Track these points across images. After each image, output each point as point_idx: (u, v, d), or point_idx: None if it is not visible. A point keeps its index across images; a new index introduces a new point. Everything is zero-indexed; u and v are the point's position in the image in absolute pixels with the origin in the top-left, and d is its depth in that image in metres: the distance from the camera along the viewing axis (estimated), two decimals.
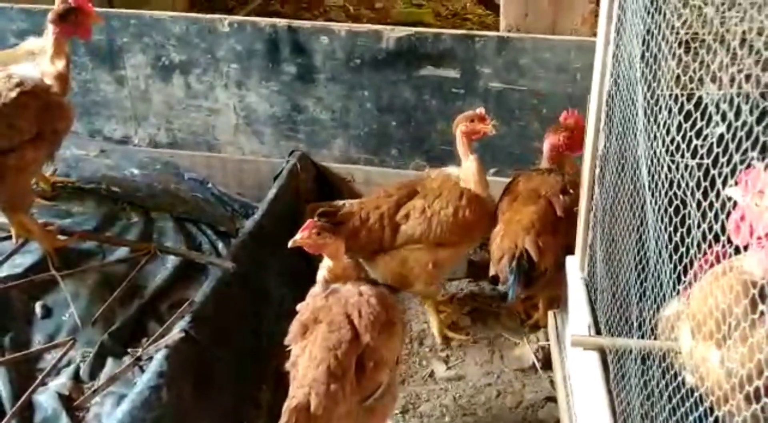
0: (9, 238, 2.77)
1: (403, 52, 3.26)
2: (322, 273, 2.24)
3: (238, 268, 2.72)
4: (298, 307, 2.21)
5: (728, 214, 1.19)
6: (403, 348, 2.41)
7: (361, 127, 3.47)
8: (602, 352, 2.04)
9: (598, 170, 2.23)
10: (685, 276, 1.31)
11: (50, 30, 2.50)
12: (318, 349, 1.97)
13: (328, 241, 2.17)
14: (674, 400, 1.36)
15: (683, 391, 1.33)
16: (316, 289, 2.24)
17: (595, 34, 2.14)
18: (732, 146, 0.99)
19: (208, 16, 3.50)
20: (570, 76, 3.10)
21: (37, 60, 2.49)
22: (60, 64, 2.45)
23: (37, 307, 2.59)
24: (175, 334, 2.33)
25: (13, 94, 2.38)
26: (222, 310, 2.57)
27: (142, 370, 2.32)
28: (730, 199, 1.21)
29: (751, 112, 0.95)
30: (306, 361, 1.96)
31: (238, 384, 2.58)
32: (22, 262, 2.72)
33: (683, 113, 1.19)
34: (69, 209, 3.11)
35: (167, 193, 3.37)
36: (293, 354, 2.06)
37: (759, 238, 1.25)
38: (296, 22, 3.37)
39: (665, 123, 1.29)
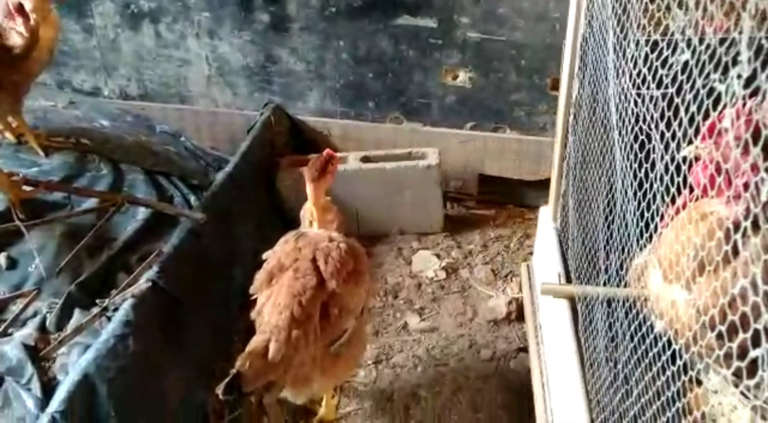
0: None
1: (379, 0, 3.18)
2: (306, 215, 2.19)
3: (209, 220, 2.67)
4: (265, 255, 2.17)
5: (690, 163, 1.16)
6: (369, 297, 2.39)
7: (337, 78, 3.41)
8: (572, 301, 2.04)
9: (571, 117, 2.20)
10: (649, 213, 1.28)
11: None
12: (282, 296, 1.94)
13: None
14: (640, 345, 1.36)
15: (651, 336, 1.32)
16: (286, 236, 2.20)
17: None
18: (695, 71, 0.95)
19: None
20: (549, 25, 3.04)
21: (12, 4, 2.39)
22: (21, 40, 2.36)
23: (1, 258, 2.53)
24: (142, 283, 2.29)
25: None
26: (192, 261, 2.53)
27: (110, 321, 2.28)
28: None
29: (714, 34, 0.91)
30: (270, 308, 1.94)
31: (209, 336, 2.56)
32: None
33: (650, 43, 1.15)
34: (35, 160, 3.04)
35: (138, 145, 3.29)
36: (259, 302, 2.03)
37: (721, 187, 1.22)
38: None
39: (632, 56, 1.25)
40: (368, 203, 3.22)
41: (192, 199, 3.12)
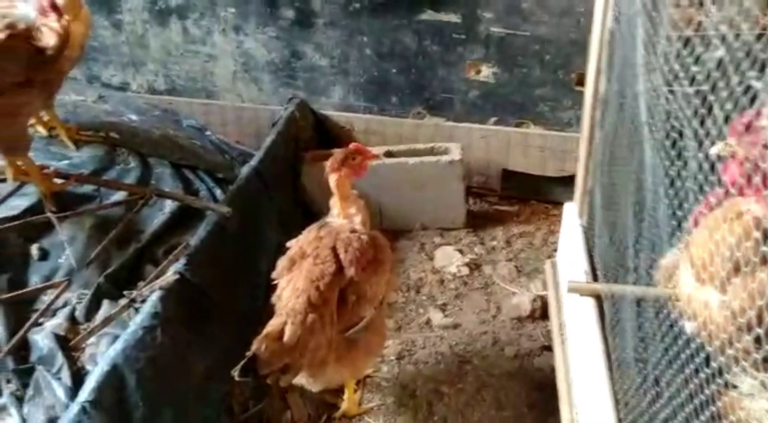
0: (4, 180, 2.76)
1: None
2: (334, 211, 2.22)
3: (234, 213, 2.70)
4: (289, 243, 2.21)
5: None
6: (390, 289, 2.40)
7: (361, 74, 3.41)
8: (598, 299, 2.03)
9: (598, 113, 2.19)
10: (681, 212, 1.27)
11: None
12: (301, 281, 1.99)
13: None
14: (672, 348, 1.34)
15: (682, 338, 1.31)
16: (310, 226, 2.23)
17: None
18: (730, 68, 0.94)
19: None
20: (573, 20, 3.03)
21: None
22: (54, 40, 2.39)
23: (34, 250, 2.58)
24: (170, 275, 2.33)
25: (2, 35, 2.32)
26: (217, 253, 2.57)
27: (138, 312, 2.32)
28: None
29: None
30: (288, 292, 1.98)
31: (234, 327, 2.58)
32: (18, 204, 2.70)
33: (682, 39, 1.15)
34: (65, 153, 3.09)
35: (166, 139, 3.33)
36: (279, 287, 2.08)
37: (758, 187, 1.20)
38: None
39: (663, 52, 1.24)
40: (391, 198, 3.23)
41: (217, 192, 3.15)
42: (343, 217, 2.17)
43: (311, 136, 3.49)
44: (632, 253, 1.67)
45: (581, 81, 3.02)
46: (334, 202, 2.19)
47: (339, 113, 3.52)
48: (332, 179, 2.13)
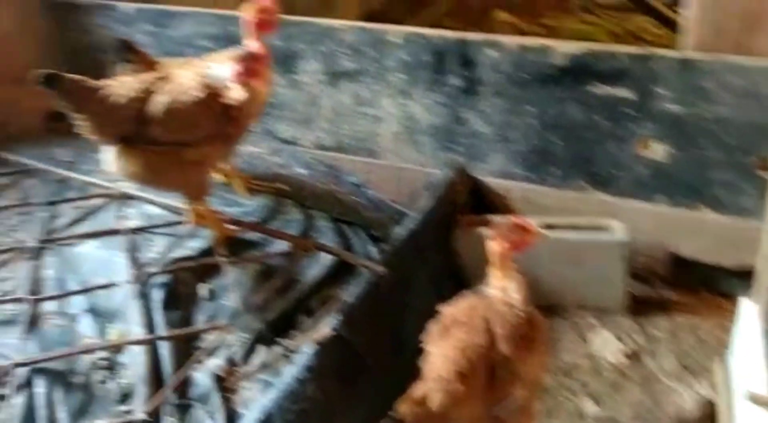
0: (184, 222, 3.01)
1: (574, 68, 3.15)
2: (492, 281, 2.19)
3: (389, 273, 2.75)
4: (441, 309, 2.21)
5: None
6: (543, 370, 2.30)
7: (523, 143, 3.40)
8: None
9: None
10: None
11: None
12: (451, 349, 1.98)
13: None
14: None
15: None
16: (465, 294, 2.22)
17: None
18: None
19: (381, 26, 3.59)
20: (758, 102, 2.84)
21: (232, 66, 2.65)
22: (238, 95, 2.61)
23: (203, 290, 2.76)
24: (325, 330, 2.40)
25: (200, 93, 2.57)
26: (370, 312, 2.61)
27: (291, 362, 2.40)
28: None
29: None
30: (437, 359, 1.97)
31: (380, 387, 2.59)
32: (193, 245, 2.93)
33: None
34: (238, 200, 3.32)
35: (328, 194, 3.48)
36: (428, 353, 2.07)
37: None
38: (465, 35, 3.37)
39: None
40: (546, 272, 3.14)
41: (372, 249, 3.22)
42: (500, 290, 2.14)
43: (467, 201, 3.50)
44: None
45: (765, 165, 2.82)
46: (493, 273, 2.16)
47: (497, 180, 3.51)
48: (493, 250, 2.11)
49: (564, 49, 3.13)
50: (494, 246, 2.11)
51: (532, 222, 2.19)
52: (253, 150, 3.72)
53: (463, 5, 6.73)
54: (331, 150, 3.89)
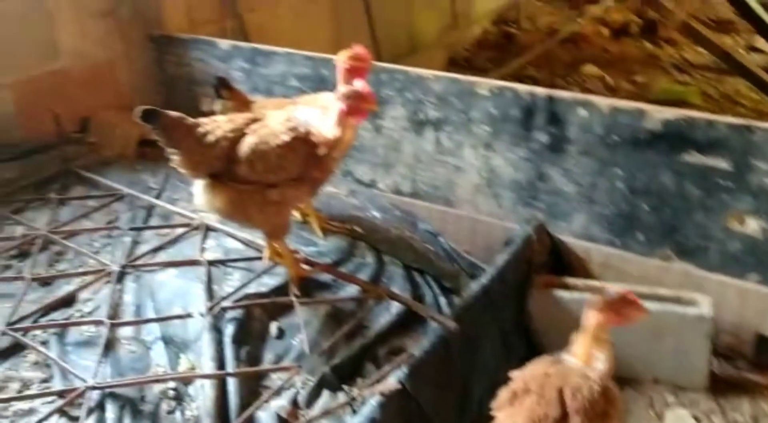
0: (261, 259, 3.06)
1: (668, 134, 3.06)
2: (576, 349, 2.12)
3: (459, 329, 2.70)
4: (512, 373, 2.13)
5: None
6: None
7: (608, 205, 3.30)
8: None
9: None
10: None
11: (336, 103, 2.64)
12: (521, 418, 1.92)
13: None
14: None
15: None
16: (540, 359, 2.15)
17: None
18: None
19: (470, 78, 3.60)
20: None
21: (324, 113, 2.68)
22: (332, 134, 2.63)
23: (273, 328, 2.78)
24: (391, 383, 2.36)
25: (287, 137, 2.61)
26: (437, 368, 2.56)
27: (354, 411, 2.38)
28: None
29: None
30: None
31: None
32: (268, 282, 2.96)
33: None
34: (314, 240, 3.35)
35: (402, 240, 3.48)
36: (497, 419, 2.01)
37: None
38: (556, 92, 3.33)
39: None
40: (623, 342, 2.96)
41: (442, 300, 3.18)
42: (584, 360, 2.06)
43: (545, 260, 3.42)
44: None
45: None
46: (580, 342, 2.08)
47: (578, 241, 3.42)
48: (591, 319, 2.04)
49: (659, 114, 3.05)
50: (595, 315, 2.04)
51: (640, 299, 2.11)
52: (331, 190, 3.77)
53: (550, 56, 6.71)
54: (408, 196, 3.89)
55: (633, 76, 6.28)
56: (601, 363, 2.02)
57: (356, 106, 2.62)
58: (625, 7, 7.50)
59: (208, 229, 3.31)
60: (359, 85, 2.68)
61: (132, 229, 3.32)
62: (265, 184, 2.65)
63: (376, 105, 2.78)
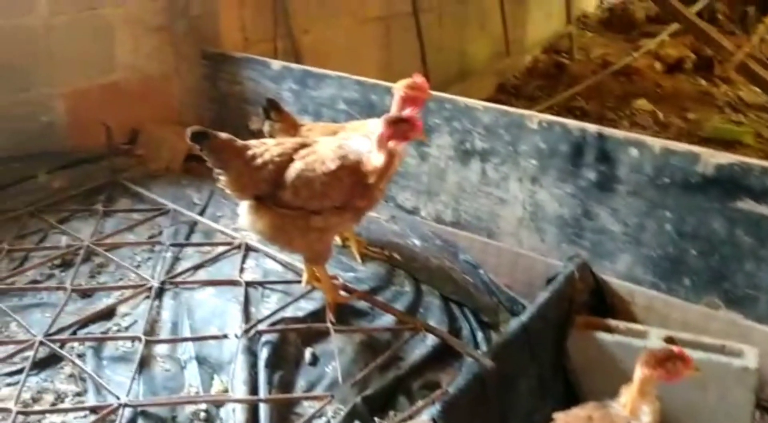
0: (300, 282, 3.05)
1: (721, 179, 2.97)
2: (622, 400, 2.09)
3: (496, 368, 2.64)
4: (555, 415, 2.10)
5: None
6: None
7: (655, 247, 3.22)
8: None
9: None
10: None
11: (379, 128, 2.62)
12: None
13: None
14: None
15: None
16: (586, 405, 2.12)
17: None
18: None
19: (519, 111, 3.56)
20: None
21: (372, 140, 2.68)
22: (378, 161, 2.61)
23: (307, 353, 2.76)
24: (424, 420, 2.32)
25: (333, 165, 2.61)
26: (472, 405, 2.51)
27: None
28: None
29: None
30: None
31: None
32: (305, 306, 2.95)
33: None
34: (353, 265, 3.33)
35: (441, 270, 3.44)
36: None
37: None
38: (607, 130, 3.27)
39: None
40: (663, 392, 2.90)
41: (479, 335, 3.13)
42: (630, 412, 2.02)
43: (586, 300, 3.34)
44: None
45: None
46: (628, 393, 2.08)
47: (621, 282, 3.33)
48: (641, 373, 2.05)
49: (713, 158, 2.97)
50: (645, 371, 2.06)
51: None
52: (372, 214, 3.74)
53: (602, 88, 6.62)
54: (449, 225, 3.85)
55: (685, 112, 6.14)
56: (646, 416, 1.99)
57: (398, 132, 2.60)
58: (680, 42, 7.38)
59: (248, 248, 3.32)
60: (407, 112, 2.67)
61: (173, 245, 3.36)
62: (308, 210, 2.64)
63: (424, 134, 2.77)
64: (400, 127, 2.60)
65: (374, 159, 2.63)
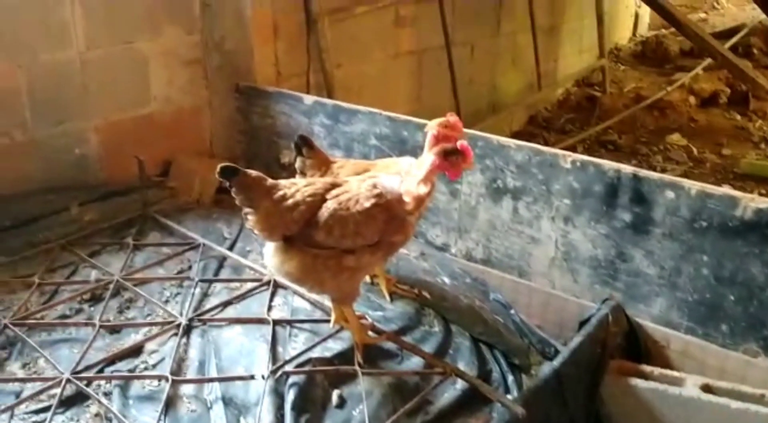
0: (328, 321, 3.02)
1: (760, 224, 2.89)
2: None
3: (527, 415, 2.57)
4: None
5: None
6: None
7: (691, 292, 3.13)
8: None
9: None
10: None
11: (430, 158, 2.62)
12: None
13: None
14: None
15: None
16: None
17: None
18: None
19: (552, 150, 3.52)
20: None
21: (405, 176, 2.66)
22: (423, 190, 2.59)
23: (334, 396, 2.72)
24: None
25: (368, 204, 2.59)
26: None
27: None
28: None
29: None
30: None
31: None
32: (332, 347, 2.91)
33: None
34: (381, 304, 3.29)
35: (471, 310, 3.38)
36: None
37: None
38: (642, 172, 3.20)
39: None
40: None
41: (509, 378, 3.05)
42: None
43: (620, 344, 3.25)
44: None
45: None
46: None
47: (656, 326, 3.25)
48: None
49: (752, 202, 2.89)
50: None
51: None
52: (401, 251, 3.71)
53: (635, 122, 6.54)
54: (480, 263, 3.81)
55: (720, 147, 6.03)
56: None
57: (451, 163, 2.61)
58: (714, 76, 7.29)
59: (276, 285, 3.31)
60: (460, 143, 2.65)
61: (202, 280, 3.35)
62: (341, 249, 2.62)
63: (472, 164, 2.75)
64: (453, 158, 2.60)
65: (419, 188, 2.61)
